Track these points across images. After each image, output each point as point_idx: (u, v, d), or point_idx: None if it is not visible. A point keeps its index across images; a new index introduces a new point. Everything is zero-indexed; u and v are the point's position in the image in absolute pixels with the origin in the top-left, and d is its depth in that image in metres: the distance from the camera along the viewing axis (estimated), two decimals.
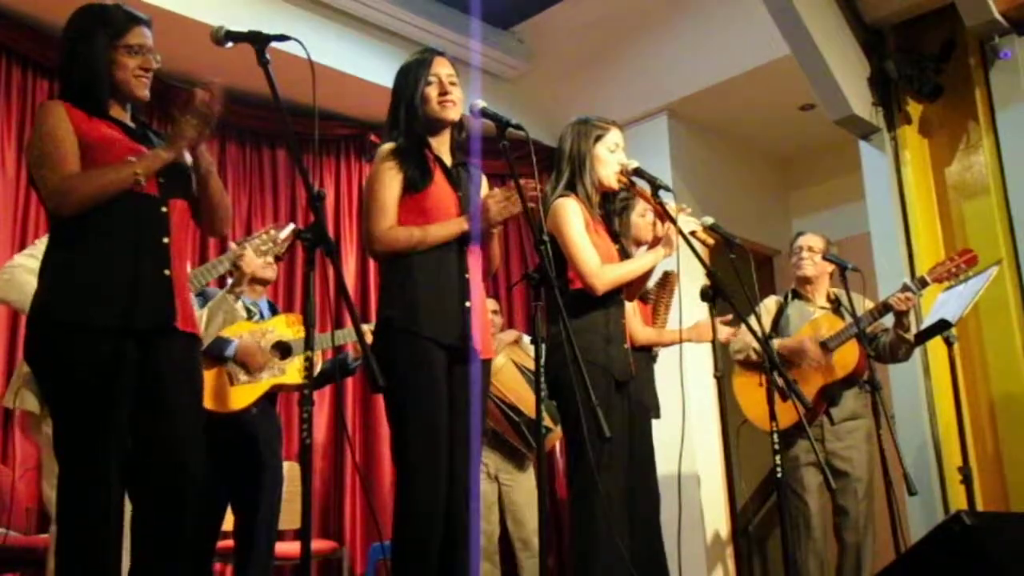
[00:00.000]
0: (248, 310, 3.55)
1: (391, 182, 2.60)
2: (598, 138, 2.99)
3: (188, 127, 2.27)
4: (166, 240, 2.31)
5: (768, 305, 4.20)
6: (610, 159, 2.99)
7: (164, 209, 2.32)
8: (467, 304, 2.60)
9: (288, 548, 4.10)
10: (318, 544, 4.39)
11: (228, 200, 2.51)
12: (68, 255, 2.24)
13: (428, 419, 2.49)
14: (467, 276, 2.62)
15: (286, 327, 3.57)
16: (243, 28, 2.20)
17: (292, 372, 3.51)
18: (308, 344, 2.06)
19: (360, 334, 2.11)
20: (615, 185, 3.01)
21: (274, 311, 3.70)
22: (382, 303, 2.65)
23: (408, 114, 2.68)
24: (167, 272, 2.29)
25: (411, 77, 2.70)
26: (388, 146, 2.65)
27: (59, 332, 2.18)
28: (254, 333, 3.48)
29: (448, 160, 2.73)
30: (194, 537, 2.26)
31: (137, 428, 2.23)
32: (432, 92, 2.67)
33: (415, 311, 2.52)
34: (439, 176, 2.67)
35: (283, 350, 3.53)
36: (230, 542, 3.58)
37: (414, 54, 2.79)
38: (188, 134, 2.27)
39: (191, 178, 2.41)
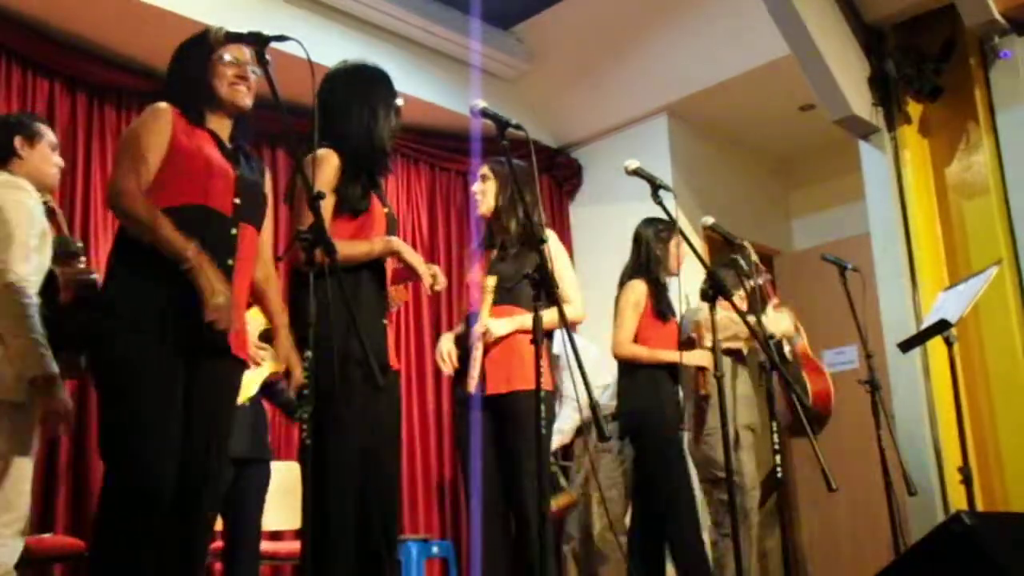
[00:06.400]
0: None
1: (329, 194, 2.57)
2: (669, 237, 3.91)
3: (219, 295, 2.20)
4: (230, 262, 2.32)
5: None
6: (675, 251, 3.90)
7: (234, 231, 2.34)
8: (384, 321, 2.66)
9: (288, 548, 4.10)
10: None
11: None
12: (134, 264, 2.26)
13: (356, 439, 2.52)
14: (384, 293, 2.69)
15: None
16: (243, 29, 2.20)
17: None
18: (308, 344, 2.05)
19: (359, 334, 2.11)
20: (677, 271, 3.93)
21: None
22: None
23: (368, 140, 2.67)
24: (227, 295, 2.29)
25: (381, 105, 2.69)
26: (331, 155, 2.61)
27: (117, 341, 2.20)
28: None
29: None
30: (203, 552, 2.30)
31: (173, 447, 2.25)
32: (392, 130, 2.72)
33: (347, 329, 2.46)
34: (373, 198, 2.69)
35: (268, 339, 3.54)
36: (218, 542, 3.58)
37: (371, 70, 2.77)
38: (219, 302, 2.20)
39: (265, 208, 2.46)
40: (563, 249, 3.34)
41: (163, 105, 2.36)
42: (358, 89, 2.70)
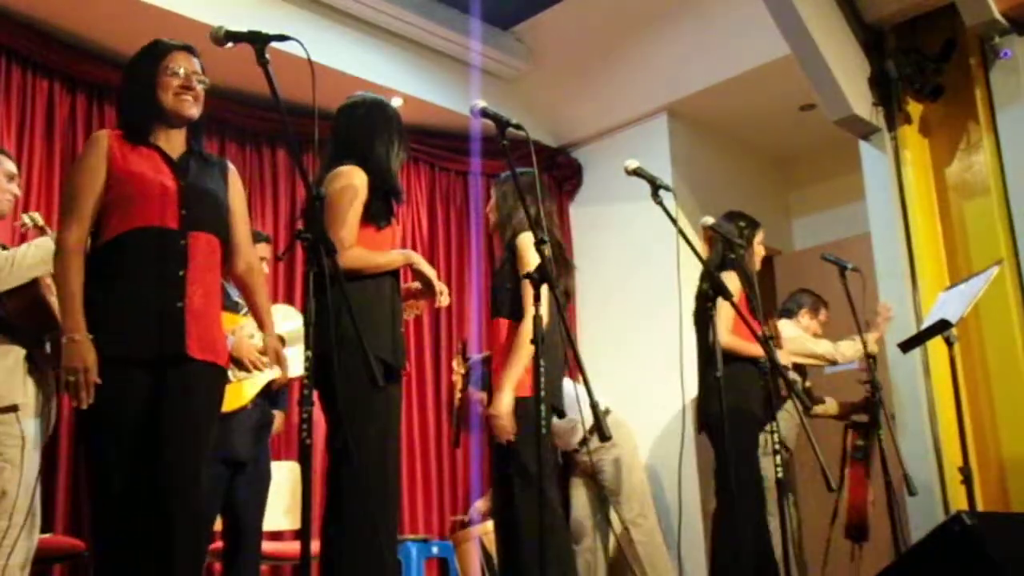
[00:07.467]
0: (236, 303, 3.54)
1: (360, 206, 2.72)
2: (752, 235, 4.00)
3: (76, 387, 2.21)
4: (181, 273, 2.34)
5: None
6: (758, 249, 4.02)
7: (183, 242, 2.36)
8: (400, 328, 2.79)
9: (288, 548, 4.10)
10: (318, 544, 4.38)
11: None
12: (91, 285, 2.31)
13: (388, 440, 2.63)
14: (398, 301, 2.83)
15: (279, 318, 3.56)
16: (243, 28, 2.20)
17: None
18: (308, 344, 2.05)
19: (359, 335, 2.12)
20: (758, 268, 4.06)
21: None
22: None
23: (387, 167, 2.83)
24: (180, 304, 2.32)
25: (396, 137, 2.87)
26: (360, 171, 2.74)
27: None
28: (246, 327, 3.47)
29: None
30: (188, 564, 2.29)
31: (143, 455, 2.27)
32: (402, 161, 2.92)
33: (365, 330, 2.48)
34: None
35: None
36: (219, 542, 3.58)
37: (387, 106, 2.93)
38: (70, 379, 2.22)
39: (221, 211, 2.48)
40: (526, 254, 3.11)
41: (99, 134, 2.42)
42: (378, 121, 2.86)
